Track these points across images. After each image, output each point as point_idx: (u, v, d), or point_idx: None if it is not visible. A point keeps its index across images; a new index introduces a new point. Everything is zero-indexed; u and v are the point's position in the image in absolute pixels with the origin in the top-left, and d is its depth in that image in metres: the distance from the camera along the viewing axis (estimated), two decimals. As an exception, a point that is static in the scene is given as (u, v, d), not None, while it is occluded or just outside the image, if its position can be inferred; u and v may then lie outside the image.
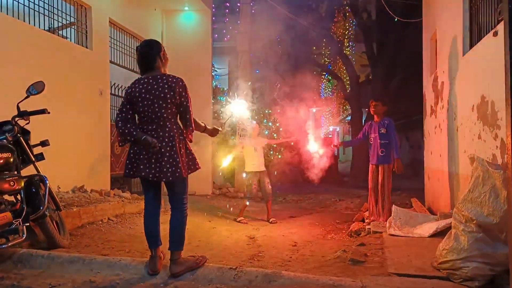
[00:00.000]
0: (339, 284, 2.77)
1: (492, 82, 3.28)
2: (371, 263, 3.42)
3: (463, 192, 3.02)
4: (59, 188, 5.17)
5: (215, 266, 3.07)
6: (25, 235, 3.06)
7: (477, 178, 2.91)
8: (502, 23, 2.39)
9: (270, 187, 6.10)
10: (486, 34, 3.53)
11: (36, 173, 3.52)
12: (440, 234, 3.99)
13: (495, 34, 3.10)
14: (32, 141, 3.62)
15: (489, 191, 2.80)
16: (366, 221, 5.35)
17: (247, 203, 6.12)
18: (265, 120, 9.80)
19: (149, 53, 3.03)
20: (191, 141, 3.14)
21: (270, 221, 5.93)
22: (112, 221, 4.94)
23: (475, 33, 4.05)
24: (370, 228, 4.75)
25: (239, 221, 5.86)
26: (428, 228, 4.34)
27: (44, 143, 3.62)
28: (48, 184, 3.47)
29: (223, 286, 2.81)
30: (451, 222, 3.20)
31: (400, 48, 10.81)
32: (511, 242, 1.61)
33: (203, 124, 3.31)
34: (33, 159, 3.51)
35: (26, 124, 3.53)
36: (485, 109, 3.46)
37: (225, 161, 6.39)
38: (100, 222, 4.79)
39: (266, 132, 9.63)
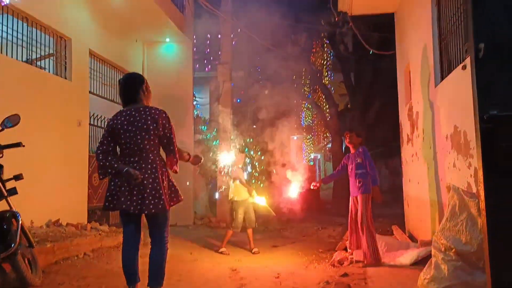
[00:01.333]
0: (323, 318, 2.72)
1: (463, 113, 3.41)
2: (354, 295, 3.39)
3: (441, 220, 3.07)
4: (33, 222, 4.98)
5: (195, 303, 2.97)
6: (-6, 275, 2.91)
7: (454, 207, 2.97)
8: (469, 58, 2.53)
9: (254, 216, 6.02)
10: (456, 66, 3.70)
11: (8, 208, 3.39)
12: (421, 262, 4.02)
13: (464, 67, 3.26)
14: (6, 175, 3.50)
15: (466, 220, 2.86)
16: (348, 250, 5.33)
17: (231, 232, 5.97)
18: (246, 149, 9.82)
19: (132, 86, 3.05)
20: (176, 172, 3.12)
21: (253, 251, 5.84)
22: (88, 256, 4.76)
23: (445, 66, 4.24)
24: (353, 257, 4.73)
25: (221, 252, 5.74)
26: (409, 256, 4.37)
27: (17, 177, 3.51)
28: (20, 220, 3.33)
29: (203, 324, 2.72)
30: (431, 250, 3.23)
31: (377, 78, 11.18)
32: (488, 271, 1.64)
33: (187, 154, 3.31)
34: (6, 194, 3.38)
35: (0, 157, 3.42)
36: (458, 138, 3.58)
37: (260, 200, 6.05)
38: (76, 258, 4.60)
39: (248, 161, 9.64)
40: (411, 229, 6.21)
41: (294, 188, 5.62)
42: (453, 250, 2.85)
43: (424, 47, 4.77)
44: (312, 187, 5.37)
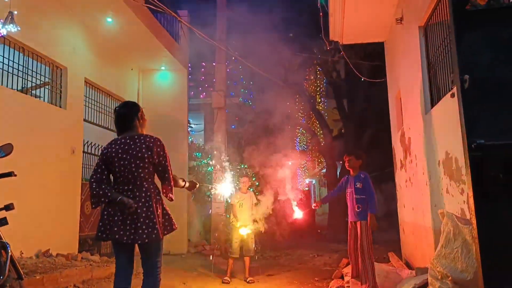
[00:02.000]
0: None
1: (453, 139, 3.45)
2: (351, 326, 3.31)
3: (437, 246, 3.05)
4: (22, 253, 4.87)
5: (188, 337, 2.88)
6: (-20, 309, 2.82)
7: (448, 233, 2.96)
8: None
9: (253, 243, 5.92)
10: (445, 93, 3.78)
11: (-2, 239, 3.31)
12: (418, 290, 3.95)
13: (452, 95, 3.33)
14: (-4, 205, 3.44)
15: (461, 247, 2.84)
16: (345, 278, 5.24)
17: (231, 260, 5.85)
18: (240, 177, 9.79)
19: (127, 114, 3.07)
20: (171, 200, 3.10)
21: (248, 280, 5.73)
22: (78, 288, 4.63)
23: (434, 93, 4.33)
24: (349, 286, 4.64)
25: (223, 281, 5.66)
26: (406, 285, 4.30)
27: (8, 207, 3.45)
28: (10, 251, 3.26)
29: None
30: (427, 279, 3.19)
31: (369, 104, 11.36)
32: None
33: (182, 182, 3.30)
34: (-4, 225, 3.32)
35: (-9, 187, 3.39)
36: (450, 164, 3.61)
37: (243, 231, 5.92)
38: (66, 290, 4.48)
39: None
40: (407, 255, 6.15)
41: (297, 211, 5.58)
42: (450, 278, 2.82)
43: (413, 75, 4.88)
44: (313, 207, 5.38)
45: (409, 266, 5.59)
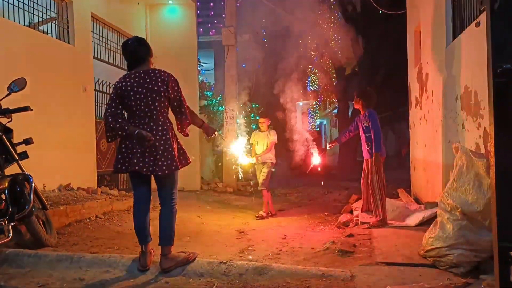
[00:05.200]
0: (329, 274, 2.80)
1: (474, 72, 3.33)
2: (360, 253, 3.47)
3: (448, 182, 3.08)
4: (45, 186, 5.09)
5: (205, 261, 3.07)
6: (11, 235, 3.01)
7: (461, 167, 2.97)
8: (484, 13, 2.44)
9: (266, 179, 5.98)
10: (469, 24, 3.58)
11: (20, 171, 3.45)
12: (426, 223, 4.07)
13: (477, 24, 3.15)
14: (15, 140, 3.54)
15: (473, 180, 2.86)
16: (354, 212, 5.40)
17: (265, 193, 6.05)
18: (252, 115, 9.79)
19: (139, 49, 3.03)
20: (187, 136, 3.15)
21: (257, 215, 5.86)
22: (100, 219, 4.89)
23: (457, 24, 4.11)
24: (358, 219, 4.80)
25: (259, 215, 5.83)
26: (414, 218, 4.43)
27: (27, 141, 3.55)
28: (33, 183, 3.41)
29: (213, 280, 2.82)
30: (436, 212, 3.26)
31: (385, 41, 10.91)
32: (495, 229, 1.65)
33: (200, 120, 3.34)
34: (17, 158, 3.44)
35: (9, 122, 3.45)
36: (468, 99, 3.52)
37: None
38: (88, 220, 4.74)
39: (254, 127, 9.63)
40: (417, 192, 6.26)
41: (315, 156, 5.66)
42: (459, 209, 2.87)
43: (436, 5, 4.60)
44: (328, 148, 5.47)
45: (418, 202, 5.71)
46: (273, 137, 6.11)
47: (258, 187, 6.11)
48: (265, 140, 6.10)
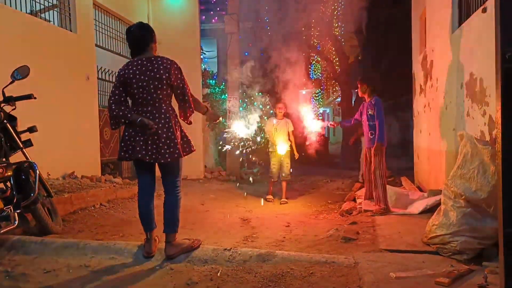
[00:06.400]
0: (332, 261, 2.82)
1: (480, 59, 3.29)
2: (363, 241, 3.48)
3: (452, 169, 3.07)
4: (49, 174, 5.12)
5: (209, 248, 3.09)
6: (17, 222, 3.04)
7: (466, 155, 2.96)
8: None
9: (289, 168, 6.22)
10: (475, 11, 3.53)
11: (25, 159, 3.47)
12: (429, 211, 4.08)
13: (484, 10, 3.10)
14: (19, 128, 3.55)
15: (477, 167, 2.85)
16: (357, 200, 5.42)
17: (271, 181, 6.32)
18: (255, 103, 9.75)
19: (143, 36, 3.00)
20: (190, 123, 3.13)
21: (281, 202, 6.10)
22: (104, 207, 4.93)
23: (464, 10, 4.04)
24: (361, 207, 4.81)
25: (267, 199, 6.17)
26: (418, 205, 4.43)
27: (31, 129, 3.56)
28: (37, 171, 3.43)
29: (218, 267, 2.84)
30: (440, 199, 3.26)
31: (389, 29, 10.78)
32: (500, 215, 1.65)
33: (204, 107, 3.32)
34: (21, 146, 3.45)
35: (13, 110, 3.45)
36: (473, 86, 3.48)
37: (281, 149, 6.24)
38: (92, 208, 4.77)
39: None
40: (420, 180, 6.26)
41: (315, 123, 5.69)
42: (463, 197, 2.87)
43: (442, -10, 4.53)
44: (329, 125, 5.51)
45: (421, 190, 5.71)
46: (291, 126, 6.27)
47: (283, 177, 6.22)
48: (284, 128, 6.20)
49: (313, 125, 5.64)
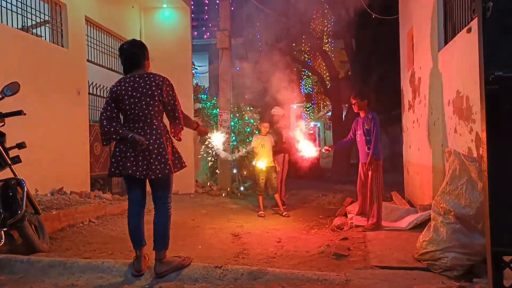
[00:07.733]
0: (324, 278, 2.81)
1: (466, 77, 3.37)
2: (355, 257, 3.48)
3: (441, 185, 3.11)
4: (37, 191, 5.04)
5: (200, 265, 3.06)
6: (2, 240, 2.98)
7: (454, 171, 3.00)
8: (475, 19, 2.47)
9: (277, 181, 6.41)
10: (461, 29, 3.63)
11: (13, 176, 3.42)
12: (419, 226, 4.10)
13: (469, 30, 3.19)
14: (8, 144, 3.51)
15: (466, 183, 2.89)
16: (348, 215, 5.42)
17: (260, 196, 6.43)
18: (246, 117, 9.80)
19: (135, 53, 3.02)
20: (180, 140, 3.14)
21: (283, 214, 6.23)
22: (93, 223, 4.85)
23: (449, 30, 4.16)
24: (352, 222, 4.82)
25: (259, 215, 6.20)
26: (408, 221, 4.45)
27: (20, 146, 3.52)
28: (25, 187, 3.38)
29: (209, 285, 2.81)
30: (430, 215, 3.29)
31: (378, 45, 10.99)
32: (488, 234, 1.67)
33: (194, 123, 3.36)
34: (9, 162, 3.40)
35: (1, 126, 3.42)
36: (460, 103, 3.56)
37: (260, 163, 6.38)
38: (81, 225, 4.70)
39: (248, 130, 9.63)
40: (410, 195, 6.30)
41: (310, 148, 5.70)
42: (452, 213, 2.90)
43: (428, 9, 4.65)
44: (323, 151, 5.55)
45: (411, 205, 5.75)
46: (273, 141, 6.51)
47: (272, 192, 6.42)
48: (269, 143, 6.41)
49: (308, 151, 5.66)
